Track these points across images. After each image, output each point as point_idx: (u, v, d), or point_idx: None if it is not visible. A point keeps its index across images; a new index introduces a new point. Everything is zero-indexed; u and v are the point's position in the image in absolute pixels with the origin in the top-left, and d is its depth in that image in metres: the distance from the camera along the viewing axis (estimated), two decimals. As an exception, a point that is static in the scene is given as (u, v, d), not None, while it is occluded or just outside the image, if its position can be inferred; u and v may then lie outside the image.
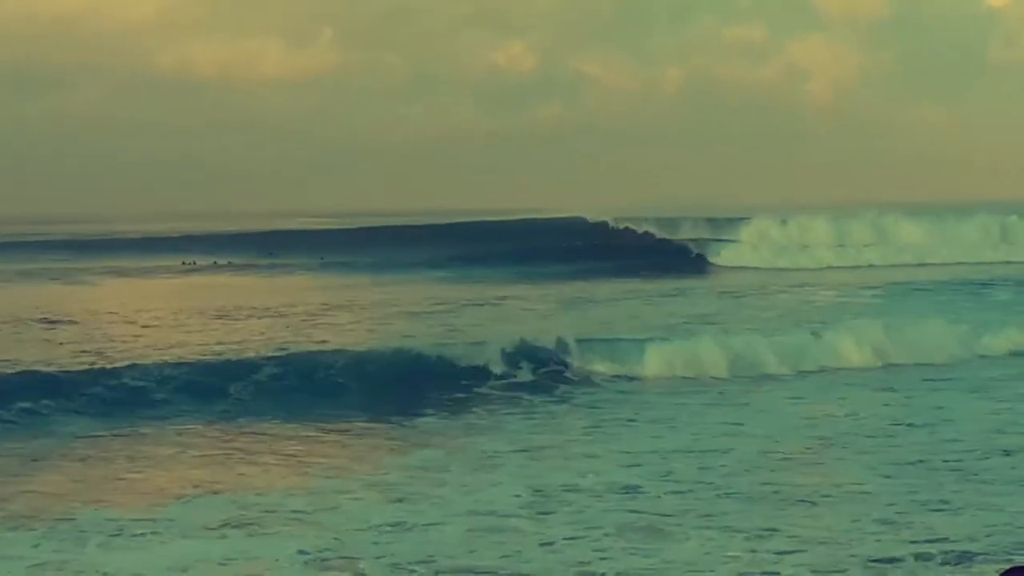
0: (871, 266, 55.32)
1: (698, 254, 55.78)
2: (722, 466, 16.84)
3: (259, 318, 32.63)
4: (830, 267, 54.71)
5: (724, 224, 63.93)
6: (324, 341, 27.95)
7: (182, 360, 23.75)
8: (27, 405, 19.90)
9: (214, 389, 21.45)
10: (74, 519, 13.98)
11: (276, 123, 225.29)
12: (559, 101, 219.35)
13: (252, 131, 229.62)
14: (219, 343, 26.92)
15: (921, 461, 16.97)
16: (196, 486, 15.83)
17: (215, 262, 56.57)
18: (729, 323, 30.81)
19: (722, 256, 56.07)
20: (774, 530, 13.50)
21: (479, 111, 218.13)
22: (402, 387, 22.15)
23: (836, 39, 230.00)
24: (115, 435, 18.87)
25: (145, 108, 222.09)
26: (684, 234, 61.11)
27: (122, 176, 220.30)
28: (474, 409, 21.60)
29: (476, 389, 22.92)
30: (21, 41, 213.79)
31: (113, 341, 27.38)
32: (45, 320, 31.65)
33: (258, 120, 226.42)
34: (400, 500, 15.10)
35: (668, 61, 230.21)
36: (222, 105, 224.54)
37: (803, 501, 14.90)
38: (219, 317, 32.57)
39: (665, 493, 15.38)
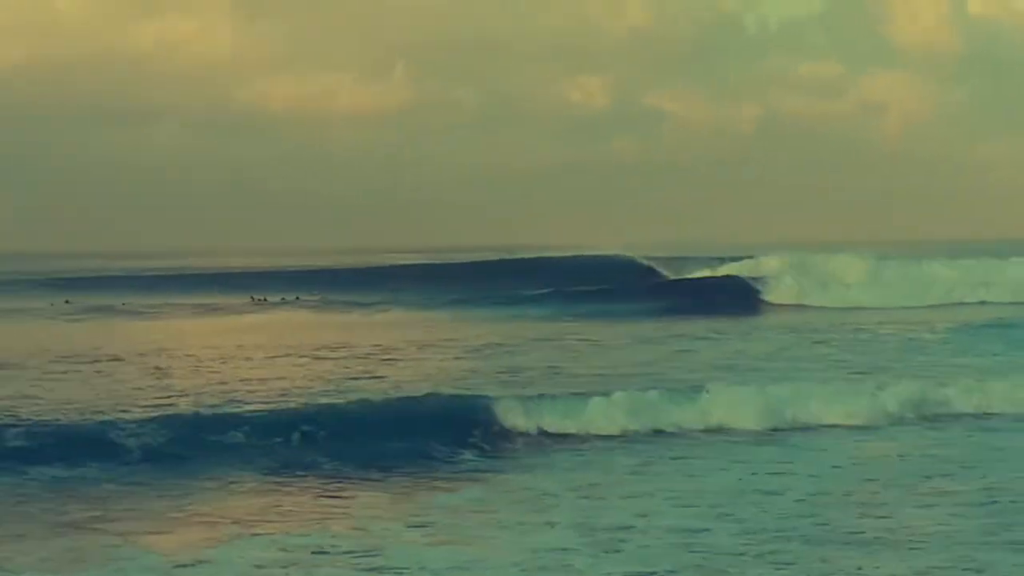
0: (937, 306, 53.28)
1: (753, 290, 54.72)
2: (778, 507, 16.71)
3: (318, 357, 32.27)
4: (903, 307, 52.62)
5: (790, 259, 63.23)
6: (381, 377, 27.95)
7: (235, 401, 23.94)
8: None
9: (262, 435, 21.06)
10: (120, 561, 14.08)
11: (350, 158, 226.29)
12: (633, 136, 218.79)
13: (326, 166, 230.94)
14: (272, 385, 26.63)
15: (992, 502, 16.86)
16: (241, 528, 15.77)
17: (283, 298, 56.75)
18: (774, 369, 29.76)
19: (775, 293, 54.93)
20: (839, 571, 13.54)
21: (553, 146, 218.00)
22: (444, 428, 21.75)
23: (911, 75, 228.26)
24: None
25: (220, 143, 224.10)
26: (746, 270, 60.55)
27: (198, 211, 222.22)
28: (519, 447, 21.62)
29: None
30: (102, 77, 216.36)
31: (159, 382, 27.22)
32: (94, 359, 31.56)
33: (332, 155, 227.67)
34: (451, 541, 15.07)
35: (743, 97, 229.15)
36: (296, 140, 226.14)
37: (865, 542, 14.79)
38: (272, 357, 32.27)
39: (724, 534, 15.27)
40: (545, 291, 54.86)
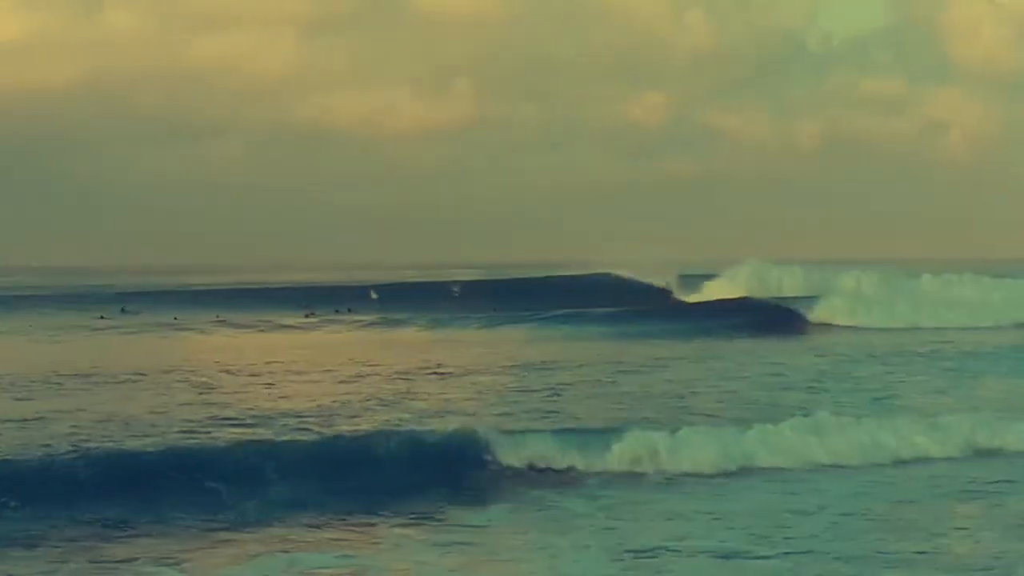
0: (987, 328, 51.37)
1: (794, 311, 53.66)
2: (811, 527, 16.49)
3: (355, 378, 31.17)
4: (970, 327, 51.06)
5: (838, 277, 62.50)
6: (410, 396, 27.40)
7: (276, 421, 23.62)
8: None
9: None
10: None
11: (411, 174, 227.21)
12: (693, 153, 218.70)
13: (387, 182, 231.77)
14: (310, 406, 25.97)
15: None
16: (264, 548, 15.56)
17: (336, 310, 56.79)
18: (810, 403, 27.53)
19: (817, 313, 53.78)
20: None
21: (614, 163, 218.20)
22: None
23: (975, 92, 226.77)
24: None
25: (282, 159, 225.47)
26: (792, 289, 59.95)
27: (259, 226, 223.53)
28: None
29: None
30: (163, 94, 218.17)
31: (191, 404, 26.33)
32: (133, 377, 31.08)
33: (393, 171, 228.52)
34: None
35: (804, 114, 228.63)
36: (357, 156, 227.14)
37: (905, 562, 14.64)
38: (313, 381, 31.18)
39: (761, 555, 15.06)
40: (610, 309, 54.57)
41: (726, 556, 14.94)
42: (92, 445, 19.98)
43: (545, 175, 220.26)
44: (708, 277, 64.54)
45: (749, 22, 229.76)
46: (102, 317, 54.76)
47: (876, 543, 15.56)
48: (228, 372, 32.52)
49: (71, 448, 19.69)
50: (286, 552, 15.12)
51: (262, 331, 49.60)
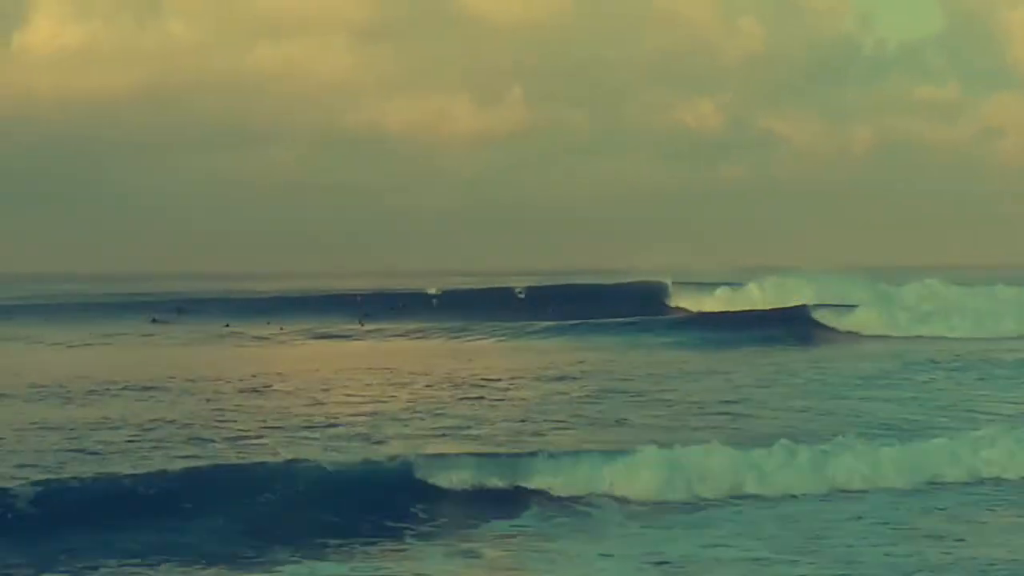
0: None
1: (819, 320, 53.01)
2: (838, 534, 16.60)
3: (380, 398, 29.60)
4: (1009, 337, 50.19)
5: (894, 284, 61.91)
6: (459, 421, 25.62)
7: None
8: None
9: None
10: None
11: (464, 180, 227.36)
12: (746, 159, 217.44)
13: (440, 188, 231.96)
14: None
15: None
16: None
17: (392, 307, 56.52)
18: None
19: (846, 321, 53.12)
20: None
21: (665, 169, 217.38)
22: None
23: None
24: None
25: (336, 165, 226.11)
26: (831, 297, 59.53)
27: (314, 232, 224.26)
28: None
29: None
30: (217, 101, 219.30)
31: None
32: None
33: (446, 177, 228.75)
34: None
35: (857, 119, 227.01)
36: (410, 162, 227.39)
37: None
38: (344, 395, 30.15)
39: (790, 560, 15.21)
40: (658, 318, 54.35)
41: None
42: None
43: (596, 180, 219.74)
44: (755, 282, 64.39)
45: (802, 27, 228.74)
46: (154, 320, 54.13)
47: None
48: (241, 385, 31.51)
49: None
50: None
51: (309, 339, 49.41)
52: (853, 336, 50.70)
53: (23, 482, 17.37)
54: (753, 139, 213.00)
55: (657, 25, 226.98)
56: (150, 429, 23.69)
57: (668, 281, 66.47)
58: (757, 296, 62.27)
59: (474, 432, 23.64)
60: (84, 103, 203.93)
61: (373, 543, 16.41)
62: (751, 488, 19.26)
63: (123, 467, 19.19)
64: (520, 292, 67.35)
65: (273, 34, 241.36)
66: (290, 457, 19.66)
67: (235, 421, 24.97)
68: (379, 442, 22.23)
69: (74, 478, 17.89)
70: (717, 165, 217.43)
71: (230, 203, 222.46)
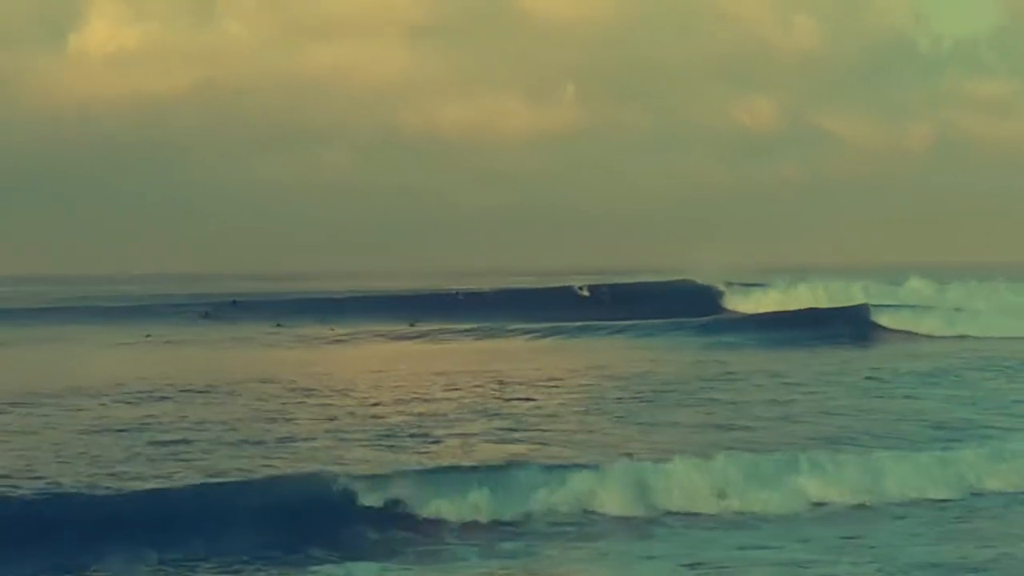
0: None
1: (867, 318, 52.27)
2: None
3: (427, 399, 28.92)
4: None
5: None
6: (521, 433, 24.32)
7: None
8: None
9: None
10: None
11: (519, 180, 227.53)
12: (801, 157, 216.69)
13: (495, 188, 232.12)
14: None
15: None
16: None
17: (412, 322, 56.15)
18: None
19: (905, 321, 52.11)
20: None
21: (720, 167, 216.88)
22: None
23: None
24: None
25: (390, 166, 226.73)
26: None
27: (368, 233, 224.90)
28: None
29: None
30: (272, 101, 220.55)
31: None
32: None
33: (501, 177, 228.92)
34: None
35: (913, 116, 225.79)
36: (465, 163, 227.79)
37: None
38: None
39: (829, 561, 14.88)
40: (705, 319, 53.93)
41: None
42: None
43: (652, 179, 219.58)
44: (812, 281, 63.79)
45: (858, 24, 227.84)
46: (206, 314, 54.13)
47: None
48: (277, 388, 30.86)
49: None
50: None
51: (357, 341, 49.05)
52: (911, 336, 49.87)
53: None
54: (808, 137, 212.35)
55: (712, 23, 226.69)
56: (203, 429, 23.60)
57: (723, 281, 65.97)
58: (814, 295, 61.61)
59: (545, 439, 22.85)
60: (139, 104, 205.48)
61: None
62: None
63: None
64: (582, 289, 66.72)
65: (327, 35, 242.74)
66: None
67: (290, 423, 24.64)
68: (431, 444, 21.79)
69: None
70: (772, 163, 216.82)
71: (284, 204, 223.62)
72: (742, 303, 63.13)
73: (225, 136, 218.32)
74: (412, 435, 22.95)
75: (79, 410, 26.47)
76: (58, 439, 22.43)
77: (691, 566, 15.16)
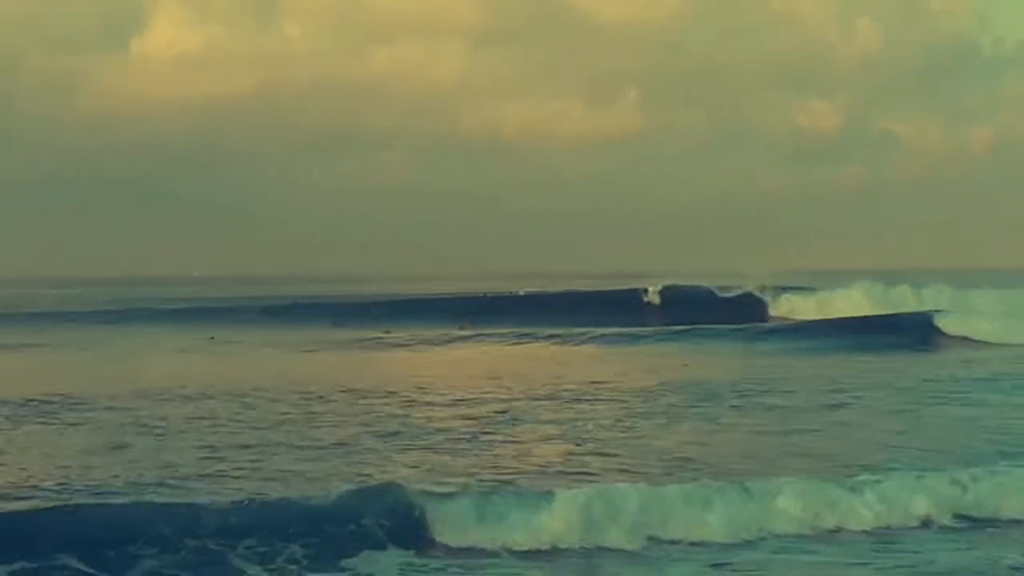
0: None
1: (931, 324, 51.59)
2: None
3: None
4: None
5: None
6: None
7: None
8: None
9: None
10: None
11: (579, 184, 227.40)
12: (863, 161, 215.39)
13: (555, 191, 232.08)
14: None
15: None
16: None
17: (462, 325, 55.81)
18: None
19: (970, 328, 51.19)
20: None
21: (781, 171, 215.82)
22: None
23: None
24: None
25: (449, 169, 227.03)
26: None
27: (427, 235, 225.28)
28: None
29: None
30: (332, 104, 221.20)
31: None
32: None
33: (561, 180, 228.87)
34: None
35: (976, 119, 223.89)
36: (525, 166, 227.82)
37: None
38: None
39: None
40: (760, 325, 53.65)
41: None
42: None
43: (713, 183, 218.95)
44: (873, 285, 63.16)
45: (920, 27, 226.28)
46: (212, 338, 52.14)
47: None
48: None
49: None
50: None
51: (415, 343, 48.71)
52: (974, 343, 49.18)
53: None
54: (870, 140, 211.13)
55: (774, 27, 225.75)
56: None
57: (783, 285, 65.52)
58: (874, 300, 61.05)
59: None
60: (200, 107, 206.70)
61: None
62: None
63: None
64: (652, 294, 66.29)
65: (388, 37, 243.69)
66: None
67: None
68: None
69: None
70: (834, 167, 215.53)
71: (345, 206, 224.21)
72: (804, 307, 62.61)
73: (285, 139, 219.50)
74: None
75: (170, 414, 26.52)
76: (150, 446, 22.38)
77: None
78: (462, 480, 18.75)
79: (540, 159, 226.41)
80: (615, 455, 21.42)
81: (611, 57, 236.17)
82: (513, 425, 25.01)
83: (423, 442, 22.76)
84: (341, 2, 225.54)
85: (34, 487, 18.22)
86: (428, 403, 28.74)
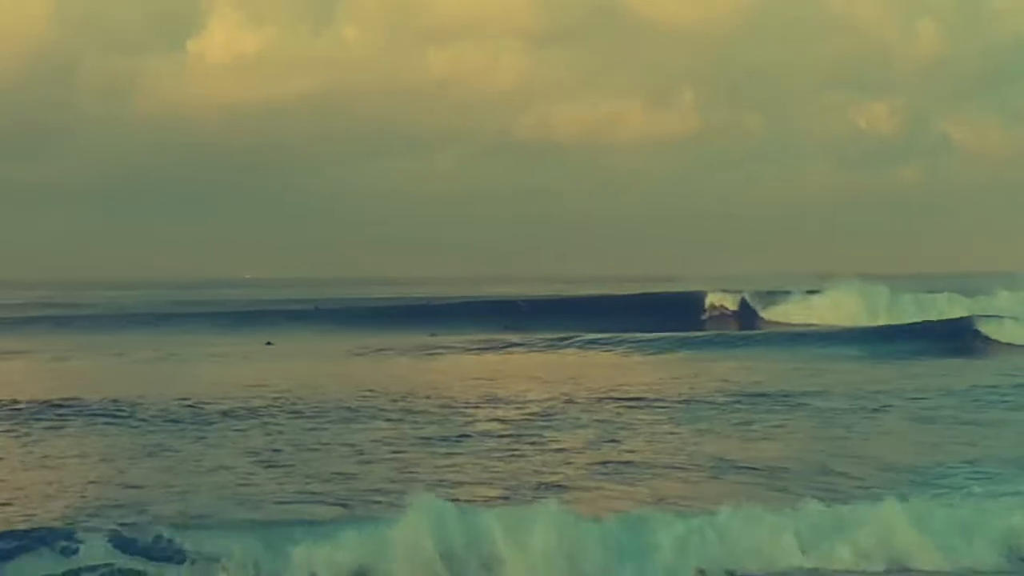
0: None
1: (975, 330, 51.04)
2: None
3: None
4: None
5: None
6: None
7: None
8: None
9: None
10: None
11: (637, 185, 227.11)
12: (920, 164, 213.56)
13: (613, 193, 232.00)
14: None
15: None
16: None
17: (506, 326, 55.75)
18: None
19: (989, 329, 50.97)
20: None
21: (838, 173, 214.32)
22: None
23: None
24: None
25: (507, 171, 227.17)
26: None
27: (484, 238, 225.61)
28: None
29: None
30: (390, 107, 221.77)
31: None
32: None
33: (619, 182, 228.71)
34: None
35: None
36: (582, 167, 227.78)
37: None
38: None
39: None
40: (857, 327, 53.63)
41: None
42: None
43: (770, 185, 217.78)
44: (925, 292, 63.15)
45: (981, 29, 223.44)
46: (268, 343, 50.70)
47: None
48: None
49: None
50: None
51: (458, 348, 47.59)
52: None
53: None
54: (930, 143, 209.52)
55: (832, 28, 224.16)
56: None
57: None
58: (924, 306, 61.02)
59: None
60: (256, 110, 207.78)
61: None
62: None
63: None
64: (713, 300, 65.36)
65: (444, 40, 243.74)
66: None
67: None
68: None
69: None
70: (893, 170, 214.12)
71: (402, 209, 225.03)
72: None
73: (342, 141, 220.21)
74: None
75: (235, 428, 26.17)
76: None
77: None
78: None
79: (598, 161, 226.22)
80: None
81: (668, 59, 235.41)
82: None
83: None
84: (398, 4, 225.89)
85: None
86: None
